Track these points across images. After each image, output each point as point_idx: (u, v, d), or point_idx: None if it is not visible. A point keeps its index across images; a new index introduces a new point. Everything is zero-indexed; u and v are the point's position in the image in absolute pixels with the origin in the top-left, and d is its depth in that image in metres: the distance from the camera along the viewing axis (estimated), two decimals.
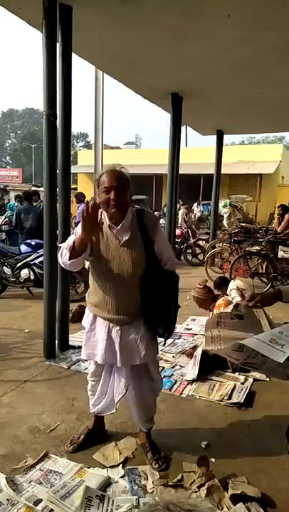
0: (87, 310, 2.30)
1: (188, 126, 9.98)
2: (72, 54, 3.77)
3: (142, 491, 2.10)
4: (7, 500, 1.99)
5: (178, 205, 14.19)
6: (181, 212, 13.25)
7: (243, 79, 5.36)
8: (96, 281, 2.19)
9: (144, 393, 2.31)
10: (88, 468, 2.24)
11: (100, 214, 2.18)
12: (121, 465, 2.28)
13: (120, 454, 2.37)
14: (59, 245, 2.22)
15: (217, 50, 4.43)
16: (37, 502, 1.98)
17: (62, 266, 2.14)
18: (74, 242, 2.05)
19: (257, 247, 6.79)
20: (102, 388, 2.36)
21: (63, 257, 2.09)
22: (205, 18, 3.72)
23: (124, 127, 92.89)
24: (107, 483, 2.13)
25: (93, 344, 2.23)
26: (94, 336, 2.23)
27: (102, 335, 2.18)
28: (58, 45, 3.54)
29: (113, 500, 2.00)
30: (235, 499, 1.99)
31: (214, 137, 9.36)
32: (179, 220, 12.71)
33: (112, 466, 2.27)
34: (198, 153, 19.05)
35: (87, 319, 2.29)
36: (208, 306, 3.81)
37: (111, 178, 2.06)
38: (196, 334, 4.41)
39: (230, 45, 4.28)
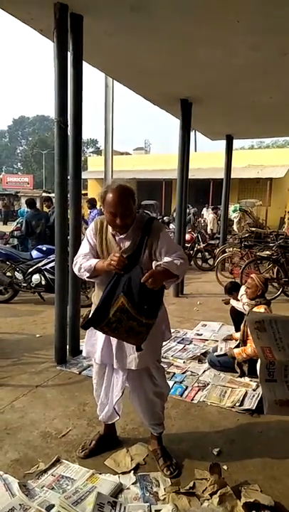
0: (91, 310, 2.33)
1: (197, 132, 9.98)
2: (83, 62, 3.82)
3: (153, 497, 2.09)
4: (20, 505, 2.00)
5: (207, 212, 14.00)
6: (211, 217, 13.06)
7: (252, 84, 5.36)
8: (98, 285, 2.24)
9: (149, 397, 2.31)
10: (100, 474, 2.23)
11: (103, 222, 2.21)
12: (132, 471, 2.28)
13: (132, 460, 2.37)
14: (76, 259, 2.24)
15: (226, 55, 4.44)
16: (49, 507, 1.98)
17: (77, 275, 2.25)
18: (96, 267, 2.09)
19: (267, 252, 6.75)
20: (105, 392, 2.38)
21: (80, 273, 2.19)
22: (214, 25, 3.74)
23: (134, 133, 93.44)
24: (119, 490, 2.13)
25: (93, 342, 2.29)
26: (94, 334, 2.27)
27: (101, 335, 2.21)
28: (69, 53, 3.60)
29: (125, 507, 1.99)
30: (249, 507, 1.97)
31: (224, 142, 9.35)
32: (210, 226, 12.63)
33: (123, 473, 2.27)
34: (207, 158, 19.06)
35: None
36: (254, 296, 3.70)
37: (116, 201, 2.02)
38: (207, 340, 4.38)
39: (240, 50, 4.29)
